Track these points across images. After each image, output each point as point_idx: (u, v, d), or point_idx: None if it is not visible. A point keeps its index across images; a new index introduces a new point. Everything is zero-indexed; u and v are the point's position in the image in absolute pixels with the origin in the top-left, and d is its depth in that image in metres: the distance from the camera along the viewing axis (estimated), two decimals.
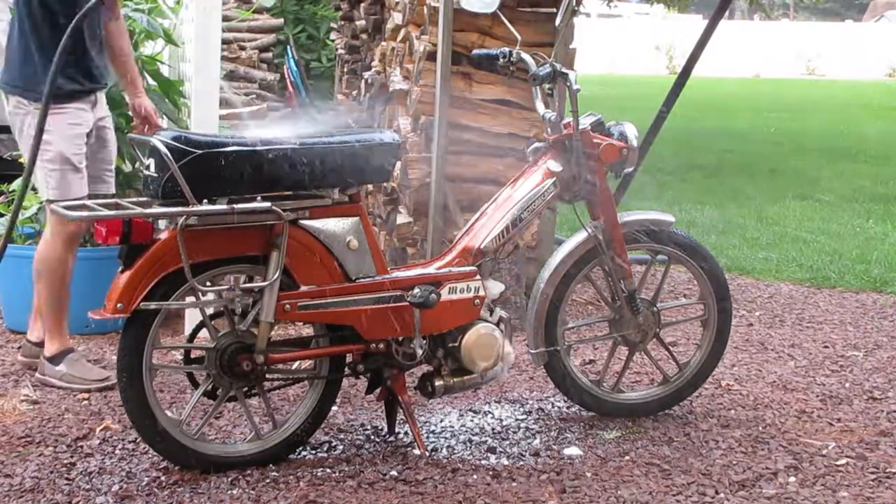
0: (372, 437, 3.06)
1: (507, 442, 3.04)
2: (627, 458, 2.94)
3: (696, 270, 3.27)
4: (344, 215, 2.83)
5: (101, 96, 3.57)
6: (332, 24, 9.02)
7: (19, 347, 3.87)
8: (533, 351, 3.15)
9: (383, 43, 5.14)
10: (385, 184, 4.41)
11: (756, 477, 2.82)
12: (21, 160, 4.46)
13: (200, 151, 2.58)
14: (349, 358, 2.92)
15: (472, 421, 3.22)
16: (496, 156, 4.29)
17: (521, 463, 2.88)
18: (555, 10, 3.44)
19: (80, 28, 3.08)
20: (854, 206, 7.56)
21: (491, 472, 2.81)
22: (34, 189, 4.24)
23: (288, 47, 9.26)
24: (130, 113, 3.76)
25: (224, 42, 7.58)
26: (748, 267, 5.53)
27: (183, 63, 4.61)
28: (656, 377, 3.43)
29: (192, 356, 2.86)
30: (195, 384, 2.87)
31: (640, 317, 3.19)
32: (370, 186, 4.85)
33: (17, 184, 4.38)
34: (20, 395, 3.36)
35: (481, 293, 2.97)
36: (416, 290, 2.84)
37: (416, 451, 2.91)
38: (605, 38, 25.70)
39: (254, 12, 9.11)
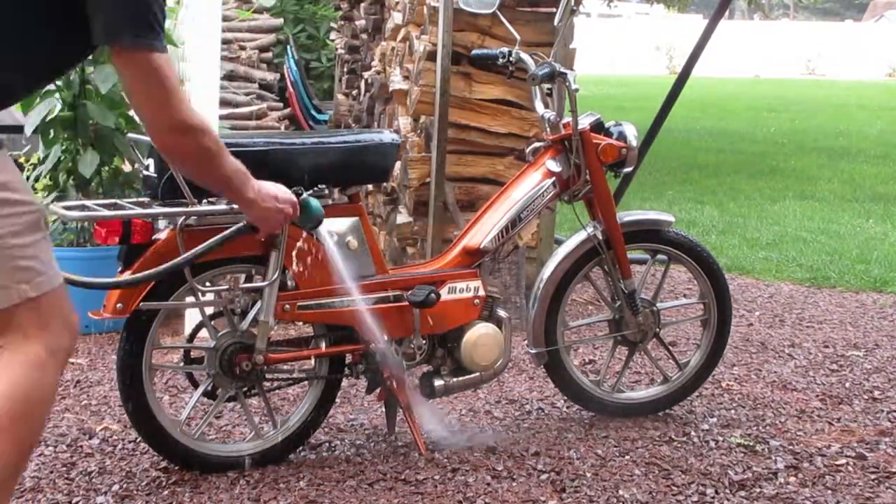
0: (372, 437, 3.06)
1: (508, 442, 3.04)
2: (627, 458, 2.94)
3: (695, 270, 3.27)
4: (343, 215, 2.83)
5: None
6: (332, 24, 9.03)
7: None
8: (533, 351, 3.15)
9: (383, 43, 5.14)
10: (385, 184, 4.41)
11: (756, 477, 2.82)
12: (21, 160, 4.47)
13: None
14: (349, 358, 2.93)
15: (472, 421, 3.22)
16: (496, 156, 4.29)
17: (521, 463, 2.88)
18: (554, 9, 3.45)
19: None
20: (854, 206, 7.57)
21: (491, 472, 2.81)
22: (34, 189, 4.25)
23: (288, 47, 9.27)
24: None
25: (224, 42, 7.58)
26: (748, 267, 5.53)
27: (183, 63, 4.62)
28: (656, 377, 3.43)
29: (192, 356, 2.86)
30: (195, 384, 2.87)
31: (639, 317, 3.19)
32: (370, 186, 4.86)
33: None
34: None
35: (481, 293, 2.97)
36: (416, 290, 2.84)
37: (416, 452, 2.91)
38: (605, 38, 25.72)
39: (254, 12, 9.11)
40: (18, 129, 5.28)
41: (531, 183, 3.06)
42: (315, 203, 2.59)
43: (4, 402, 1.94)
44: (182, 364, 2.91)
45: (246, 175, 2.27)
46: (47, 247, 2.00)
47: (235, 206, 2.63)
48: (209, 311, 2.79)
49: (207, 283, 2.75)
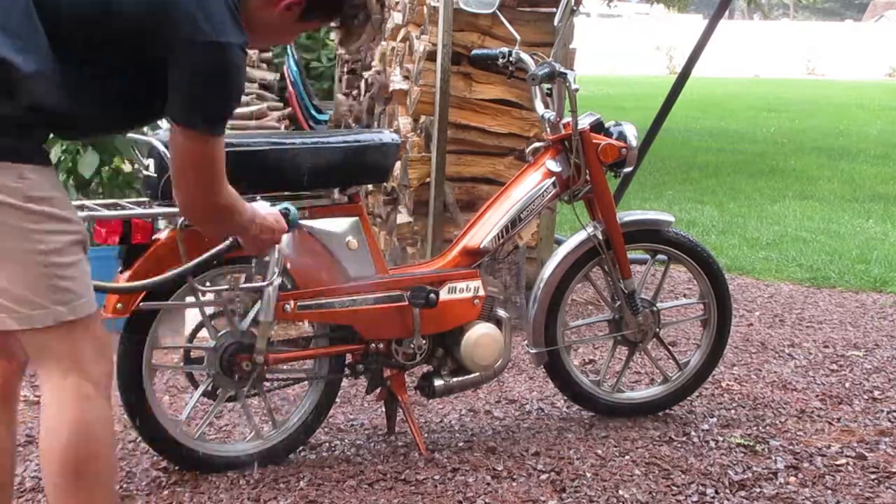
0: (372, 437, 3.06)
1: (508, 442, 3.04)
2: (627, 458, 2.94)
3: (695, 270, 3.27)
4: (344, 215, 2.83)
5: None
6: (332, 24, 9.02)
7: None
8: (533, 351, 3.15)
9: (383, 43, 5.14)
10: (385, 184, 4.41)
11: (756, 477, 2.82)
12: None
13: None
14: (349, 358, 2.93)
15: (472, 421, 3.22)
16: (496, 156, 4.29)
17: (521, 463, 2.88)
18: (554, 9, 3.44)
19: None
20: (854, 206, 7.57)
21: (491, 473, 2.81)
22: None
23: (288, 47, 9.26)
24: None
25: None
26: (748, 267, 5.53)
27: None
28: (656, 377, 3.43)
29: (192, 356, 2.86)
30: (195, 384, 2.87)
31: (639, 317, 3.19)
32: (370, 186, 4.86)
33: None
34: (20, 395, 3.35)
35: (481, 293, 2.97)
36: (416, 290, 2.84)
37: (416, 452, 2.91)
38: (605, 38, 25.72)
39: None
40: None
41: (531, 183, 3.06)
42: (294, 213, 2.54)
43: (67, 449, 1.88)
44: (182, 364, 2.91)
45: (248, 210, 2.25)
46: (87, 270, 1.93)
47: None
48: (209, 311, 2.79)
49: (207, 283, 2.75)
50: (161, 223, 2.73)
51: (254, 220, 2.28)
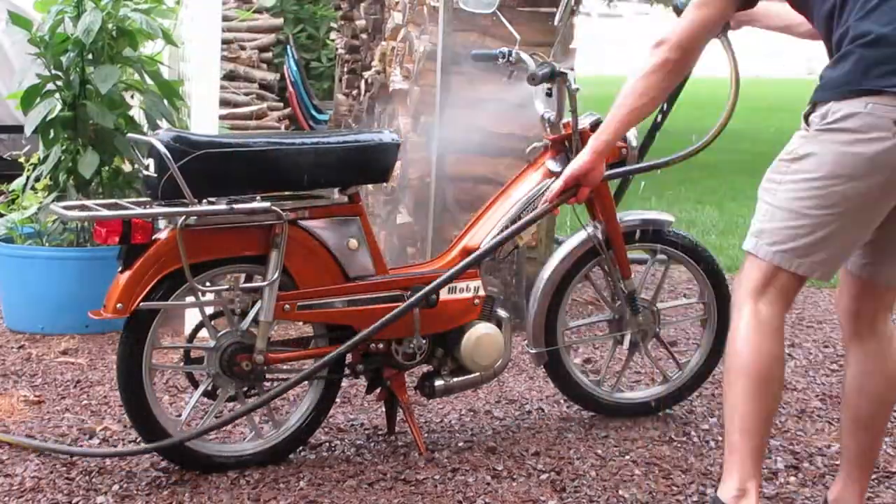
0: (372, 437, 3.06)
1: (508, 442, 3.04)
2: (627, 458, 2.94)
3: (695, 270, 3.27)
4: (343, 215, 2.83)
5: None
6: (332, 24, 9.04)
7: (20, 347, 3.88)
8: (533, 351, 3.15)
9: (383, 43, 5.14)
10: (385, 184, 4.41)
11: None
12: (21, 160, 4.46)
13: (200, 151, 2.59)
14: (349, 358, 2.92)
15: (472, 421, 3.22)
16: (496, 156, 4.29)
17: (521, 463, 2.88)
18: (554, 9, 3.44)
19: None
20: None
21: (491, 473, 2.81)
22: (34, 189, 4.25)
23: (288, 47, 9.28)
24: None
25: (224, 42, 7.58)
26: None
27: (182, 63, 4.62)
28: (656, 377, 3.43)
29: (192, 356, 2.86)
30: (195, 384, 2.87)
31: (639, 316, 3.19)
32: (370, 186, 4.86)
33: (17, 184, 4.38)
34: (20, 394, 3.36)
35: (481, 293, 2.97)
36: (416, 290, 2.84)
37: (416, 452, 2.91)
38: (605, 38, 25.71)
39: (254, 12, 9.12)
40: (18, 129, 5.30)
41: (531, 183, 3.06)
42: None
43: None
44: (182, 364, 2.91)
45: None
46: None
47: (235, 207, 2.64)
48: (209, 311, 2.79)
49: (207, 283, 2.75)
50: (161, 223, 2.73)
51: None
